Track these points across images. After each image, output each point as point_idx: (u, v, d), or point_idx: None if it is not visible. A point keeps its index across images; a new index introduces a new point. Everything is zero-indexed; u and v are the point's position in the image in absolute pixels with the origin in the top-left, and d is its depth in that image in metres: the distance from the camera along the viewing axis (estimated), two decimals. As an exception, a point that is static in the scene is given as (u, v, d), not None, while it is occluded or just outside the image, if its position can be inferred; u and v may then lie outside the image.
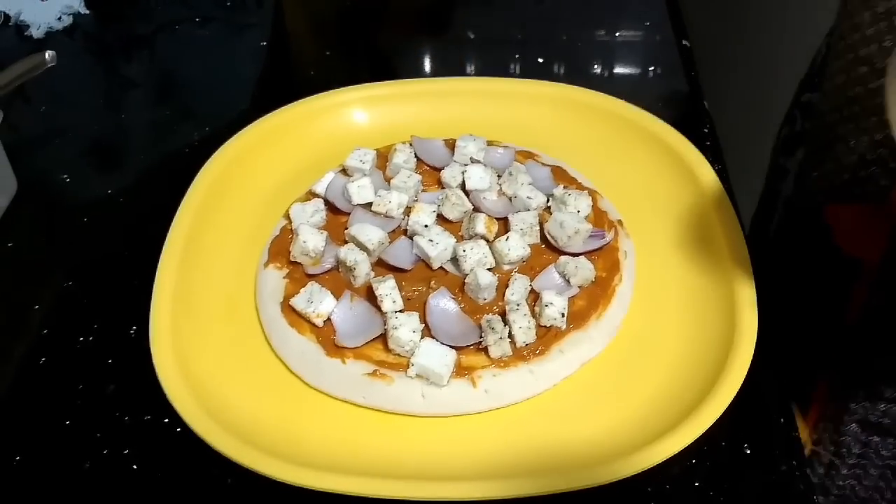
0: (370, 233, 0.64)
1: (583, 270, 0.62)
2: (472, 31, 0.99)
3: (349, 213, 0.68)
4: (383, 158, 0.73)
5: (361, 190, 0.68)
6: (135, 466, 0.56)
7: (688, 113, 0.84)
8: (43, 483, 0.55)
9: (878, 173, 0.65)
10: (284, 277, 0.64)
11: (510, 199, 0.69)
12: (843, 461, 0.67)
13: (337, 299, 0.61)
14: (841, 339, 0.67)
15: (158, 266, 0.64)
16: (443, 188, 0.70)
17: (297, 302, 0.61)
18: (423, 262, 0.64)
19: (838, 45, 0.68)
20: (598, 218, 0.68)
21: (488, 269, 0.62)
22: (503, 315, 0.60)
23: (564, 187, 0.69)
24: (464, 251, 0.62)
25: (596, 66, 0.93)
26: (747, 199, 0.80)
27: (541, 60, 0.92)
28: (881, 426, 0.64)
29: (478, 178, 0.69)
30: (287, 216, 0.69)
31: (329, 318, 0.61)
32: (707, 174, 0.70)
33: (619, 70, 0.93)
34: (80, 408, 0.59)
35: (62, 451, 0.57)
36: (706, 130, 0.80)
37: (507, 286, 0.61)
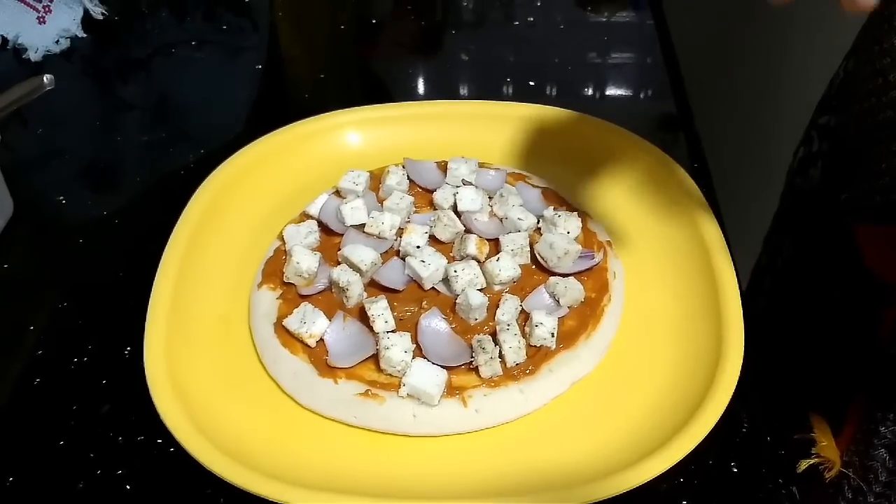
0: (363, 254, 0.65)
1: (572, 291, 0.63)
2: (465, 53, 1.01)
3: (342, 235, 0.69)
4: (376, 180, 0.74)
5: (354, 211, 0.69)
6: (128, 486, 0.56)
7: (678, 135, 0.85)
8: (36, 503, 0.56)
9: None
10: (278, 298, 0.65)
11: (501, 220, 0.70)
12: (871, 488, 0.66)
13: (329, 320, 0.62)
14: (871, 362, 0.66)
15: (153, 287, 0.64)
16: (435, 209, 0.71)
17: (290, 322, 0.62)
18: (415, 282, 0.64)
19: (865, 68, 0.68)
20: (588, 239, 0.68)
21: (479, 290, 0.63)
22: (494, 335, 0.60)
23: (554, 209, 0.69)
24: (455, 272, 0.63)
25: (587, 89, 0.95)
26: (739, 221, 0.80)
27: (532, 83, 0.93)
28: None
29: (469, 199, 0.70)
30: (281, 237, 0.70)
31: (322, 339, 0.61)
32: (696, 196, 0.71)
33: (610, 92, 0.94)
34: (73, 428, 0.59)
35: (56, 472, 0.57)
36: (696, 152, 0.81)
37: (497, 306, 0.62)
